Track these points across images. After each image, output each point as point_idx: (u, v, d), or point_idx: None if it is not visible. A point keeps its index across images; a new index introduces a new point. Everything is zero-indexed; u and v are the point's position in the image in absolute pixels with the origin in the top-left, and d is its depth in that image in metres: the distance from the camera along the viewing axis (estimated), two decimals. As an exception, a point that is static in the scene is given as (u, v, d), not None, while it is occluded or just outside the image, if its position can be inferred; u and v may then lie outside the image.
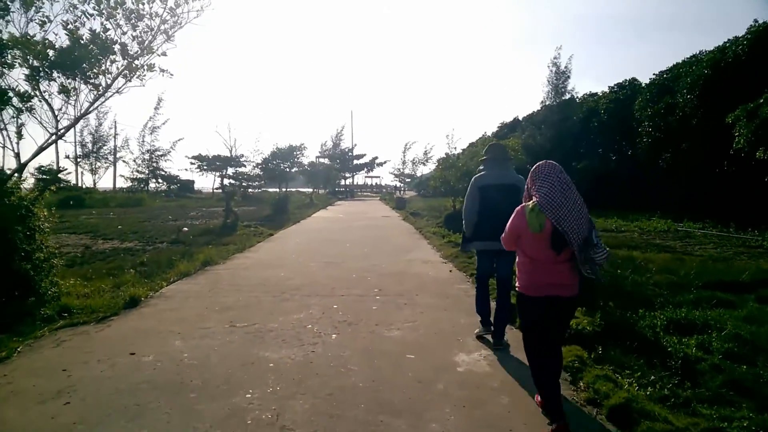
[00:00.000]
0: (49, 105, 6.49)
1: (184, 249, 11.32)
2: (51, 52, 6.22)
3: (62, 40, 6.46)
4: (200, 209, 26.98)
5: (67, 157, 48.49)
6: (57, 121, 6.59)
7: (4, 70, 6.10)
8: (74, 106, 6.64)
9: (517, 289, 3.49)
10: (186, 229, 15.93)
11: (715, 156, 21.42)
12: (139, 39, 6.76)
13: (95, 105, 6.84)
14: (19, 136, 6.51)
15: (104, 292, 6.96)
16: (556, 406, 3.26)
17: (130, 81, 6.86)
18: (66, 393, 3.84)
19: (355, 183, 74.29)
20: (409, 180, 58.68)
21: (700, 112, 22.52)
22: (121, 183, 51.09)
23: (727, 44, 22.65)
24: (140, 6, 6.62)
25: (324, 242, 13.55)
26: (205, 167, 45.74)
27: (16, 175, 6.46)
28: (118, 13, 6.47)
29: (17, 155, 6.63)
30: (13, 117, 6.43)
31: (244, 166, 41.74)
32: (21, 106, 6.14)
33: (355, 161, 68.43)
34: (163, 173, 50.51)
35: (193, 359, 4.53)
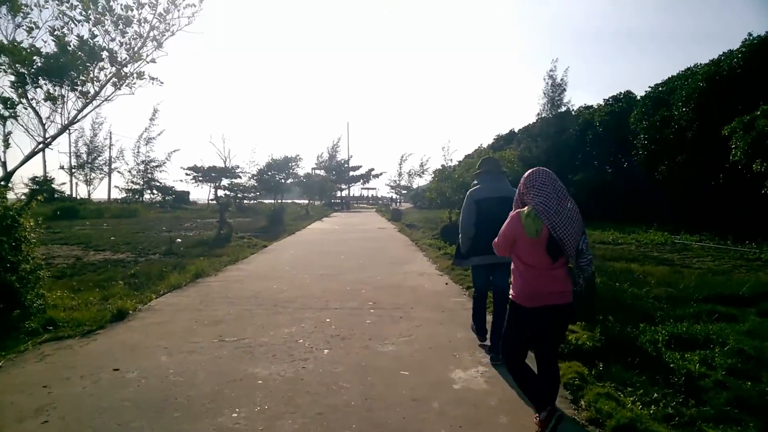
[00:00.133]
0: (36, 113, 6.35)
1: (176, 261, 11.16)
2: (37, 59, 6.09)
3: (51, 46, 6.35)
4: (195, 220, 26.84)
5: (62, 167, 48.30)
6: (45, 130, 6.45)
7: None
8: (61, 114, 6.50)
9: (511, 297, 3.36)
10: (179, 240, 15.75)
11: (711, 168, 21.42)
12: (128, 46, 6.65)
13: (83, 113, 6.70)
14: (6, 144, 6.37)
15: (92, 305, 6.77)
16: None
17: (119, 89, 6.74)
18: (45, 411, 3.68)
19: (351, 194, 74.31)
20: (405, 192, 58.55)
21: (695, 124, 22.54)
22: (116, 194, 50.93)
23: (722, 57, 22.75)
24: (129, 12, 6.53)
25: (319, 254, 13.40)
26: (200, 178, 45.57)
27: (1, 183, 6.31)
28: (107, 20, 6.36)
29: (3, 164, 6.49)
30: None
31: (240, 177, 41.66)
32: (5, 113, 5.99)
33: (351, 173, 68.48)
34: (158, 184, 50.30)
35: (179, 375, 4.37)
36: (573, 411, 3.74)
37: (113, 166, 53.06)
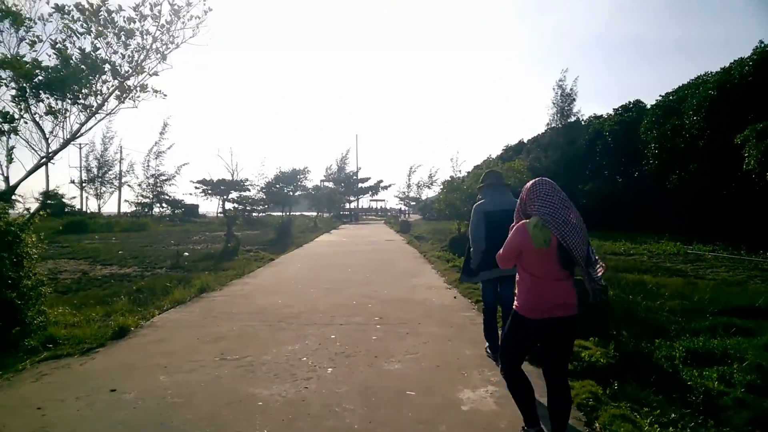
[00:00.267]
0: (39, 127, 6.29)
1: (182, 275, 11.08)
2: (37, 72, 6.04)
3: (53, 60, 6.30)
4: (203, 233, 26.88)
5: (72, 181, 48.71)
6: (48, 144, 6.39)
7: None
8: (63, 128, 6.43)
9: (514, 308, 3.27)
10: (187, 254, 15.72)
11: (723, 177, 21.23)
12: (130, 58, 6.58)
13: (86, 127, 6.62)
14: (9, 159, 6.31)
15: (93, 322, 6.67)
16: None
17: (123, 102, 6.67)
18: (37, 435, 3.55)
19: (359, 206, 74.26)
20: (414, 203, 58.41)
21: (706, 133, 22.38)
22: (126, 208, 51.23)
23: (733, 65, 22.61)
24: (131, 24, 6.46)
25: (326, 267, 13.26)
26: (209, 191, 45.72)
27: (5, 198, 6.25)
28: (109, 32, 6.31)
29: (6, 178, 6.43)
30: (1, 139, 6.24)
31: (249, 189, 41.66)
32: (4, 127, 5.92)
33: (360, 185, 68.45)
34: (167, 198, 50.53)
35: (177, 396, 4.22)
36: (587, 434, 3.57)
37: (123, 179, 53.52)
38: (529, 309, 3.14)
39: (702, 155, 22.69)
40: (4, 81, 5.95)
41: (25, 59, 6.09)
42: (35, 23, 6.23)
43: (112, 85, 6.58)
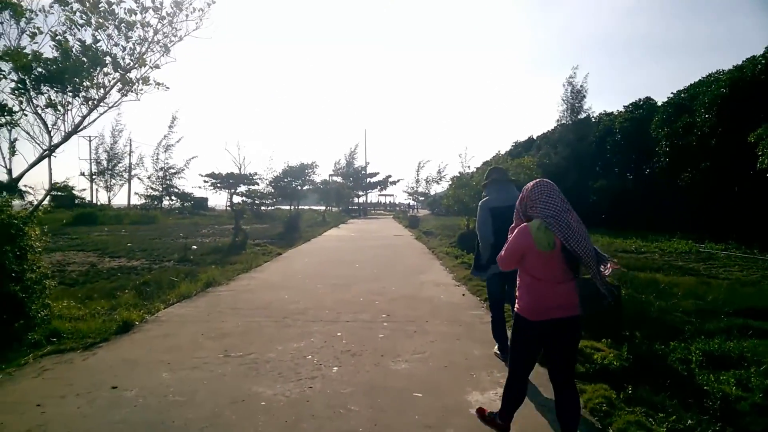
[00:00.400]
0: (41, 119, 6.21)
1: (190, 268, 11.02)
2: (35, 64, 5.95)
3: (54, 52, 6.20)
4: (212, 226, 26.90)
5: (83, 174, 48.92)
6: (50, 137, 6.31)
7: None
8: (65, 120, 6.33)
9: (516, 311, 3.21)
10: (195, 247, 15.69)
11: (736, 175, 20.97)
12: (131, 50, 6.48)
13: (88, 119, 6.53)
14: (12, 151, 6.24)
15: (98, 315, 6.62)
16: None
17: (125, 95, 6.58)
18: (35, 433, 3.47)
19: (368, 201, 74.20)
20: (422, 198, 58.24)
21: (718, 131, 22.12)
22: (136, 200, 51.38)
23: (745, 63, 22.34)
24: (132, 16, 6.36)
25: (333, 262, 13.16)
26: (218, 185, 45.74)
27: (8, 191, 6.18)
28: (110, 24, 6.20)
29: (9, 171, 6.36)
30: (5, 129, 6.16)
31: (257, 183, 41.64)
32: (6, 120, 5.84)
33: (369, 179, 68.40)
34: (176, 191, 50.57)
35: (179, 394, 4.14)
36: (601, 441, 3.45)
37: (133, 172, 53.66)
38: (529, 311, 3.11)
39: (714, 153, 22.45)
40: (3, 73, 5.86)
41: (26, 51, 6.00)
42: (36, 15, 6.14)
43: (113, 78, 6.48)
